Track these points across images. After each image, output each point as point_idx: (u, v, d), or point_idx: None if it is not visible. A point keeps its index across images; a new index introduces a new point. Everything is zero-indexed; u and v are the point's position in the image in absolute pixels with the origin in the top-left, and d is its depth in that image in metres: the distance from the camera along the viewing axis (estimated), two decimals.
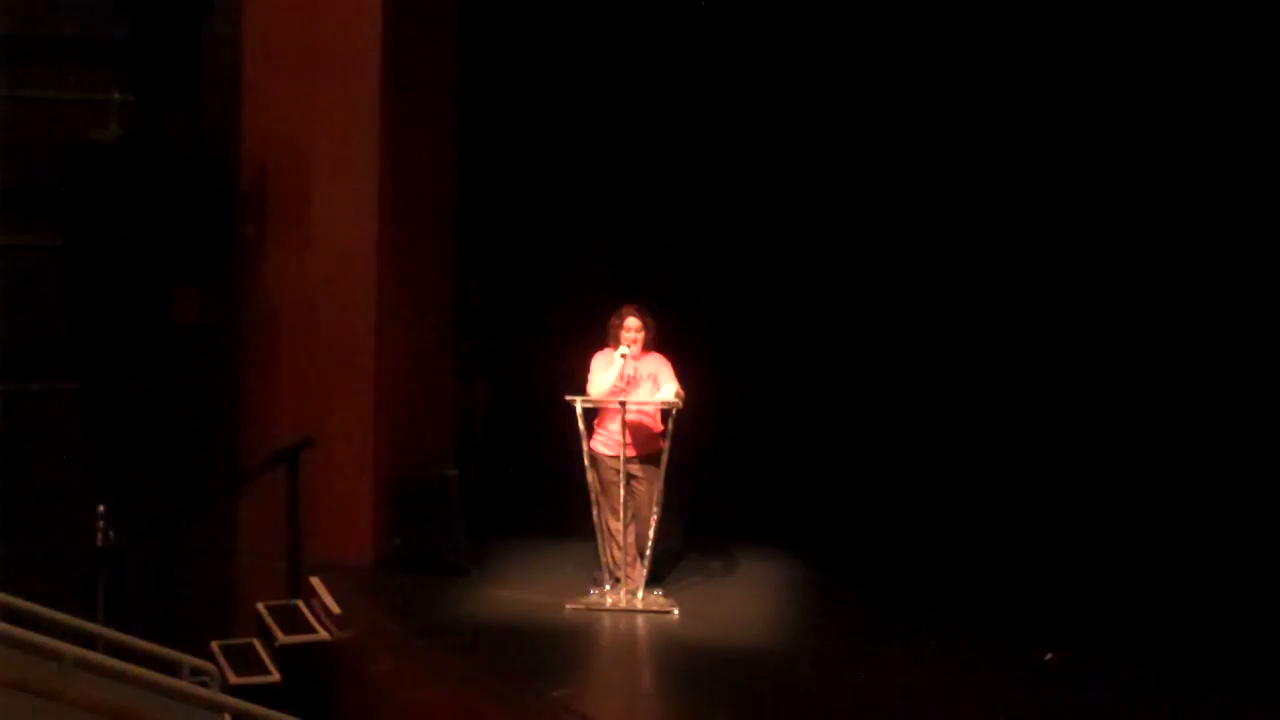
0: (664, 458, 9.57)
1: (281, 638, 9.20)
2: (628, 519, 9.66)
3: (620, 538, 9.66)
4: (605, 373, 9.65)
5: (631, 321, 9.65)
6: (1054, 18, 11.68)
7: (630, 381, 9.67)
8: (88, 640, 7.80)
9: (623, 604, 9.58)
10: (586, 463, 9.67)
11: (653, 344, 9.75)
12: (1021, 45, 11.87)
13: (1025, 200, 12.17)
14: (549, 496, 11.02)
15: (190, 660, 8.14)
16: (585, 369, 9.74)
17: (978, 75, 12.16)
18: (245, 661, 9.07)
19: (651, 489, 9.64)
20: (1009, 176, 12.24)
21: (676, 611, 9.54)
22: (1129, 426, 11.66)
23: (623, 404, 9.50)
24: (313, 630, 9.39)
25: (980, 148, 12.28)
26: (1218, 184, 11.46)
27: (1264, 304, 11.27)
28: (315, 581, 9.77)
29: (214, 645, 9.19)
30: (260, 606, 9.61)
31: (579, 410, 9.52)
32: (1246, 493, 10.88)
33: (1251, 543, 10.43)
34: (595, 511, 9.71)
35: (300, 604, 9.75)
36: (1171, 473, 11.17)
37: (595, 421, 9.72)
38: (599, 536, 9.72)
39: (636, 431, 9.64)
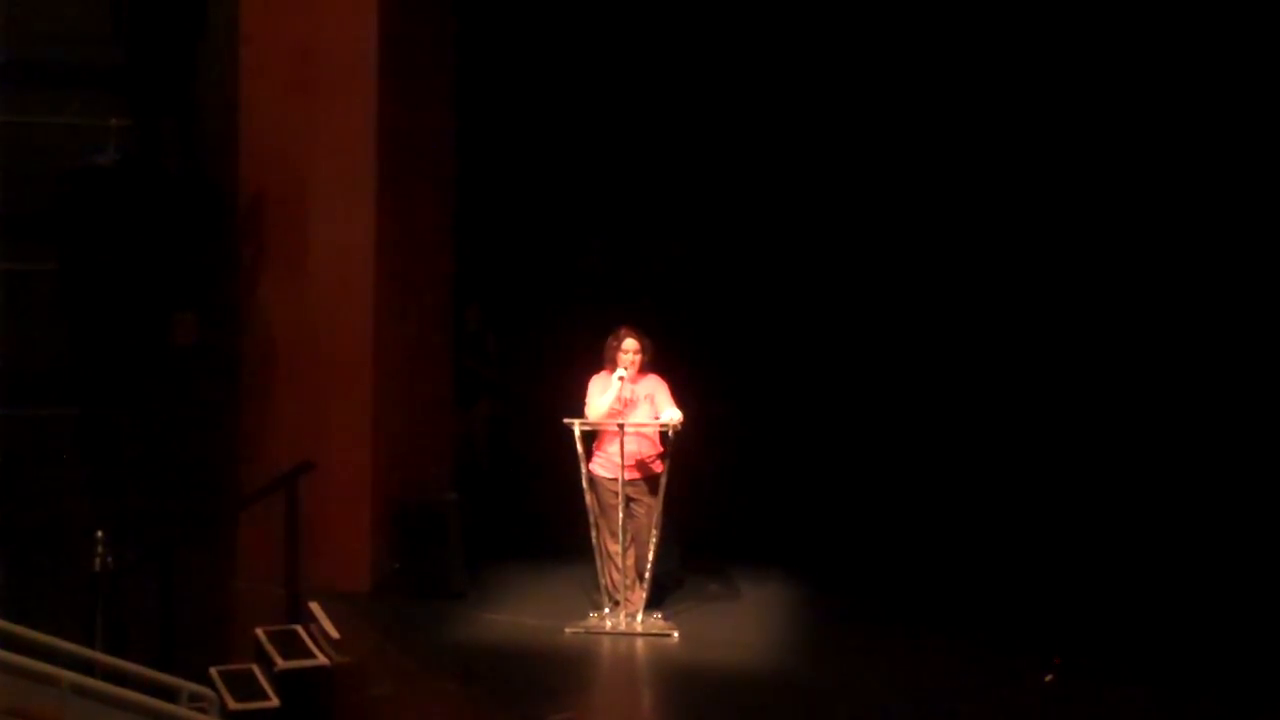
0: (663, 480, 9.56)
1: (280, 663, 9.16)
2: (627, 542, 9.65)
3: (619, 560, 9.65)
4: (603, 395, 9.64)
5: (629, 343, 9.65)
6: (1053, 18, 11.72)
7: (628, 404, 9.66)
8: (86, 666, 7.77)
9: (622, 627, 9.56)
10: (585, 485, 9.66)
11: (650, 365, 9.75)
12: (1020, 47, 11.91)
13: (1017, 225, 12.21)
14: (548, 519, 11.00)
15: (189, 686, 8.10)
16: (583, 392, 9.74)
17: (973, 88, 12.20)
18: (244, 687, 9.02)
19: (650, 511, 9.63)
20: (1000, 196, 12.28)
21: (676, 634, 9.53)
22: (1124, 445, 11.69)
23: (621, 426, 9.50)
24: (312, 655, 9.34)
25: (973, 164, 12.32)
26: (1218, 184, 11.50)
27: (1263, 307, 11.30)
28: (314, 606, 9.74)
29: (212, 671, 9.14)
30: (259, 632, 9.56)
31: (577, 433, 9.52)
32: (1243, 503, 10.90)
33: (1247, 553, 10.45)
34: (594, 534, 9.70)
35: (299, 629, 9.70)
36: (1166, 490, 11.20)
37: (594, 444, 9.71)
38: (598, 559, 9.70)
39: (635, 454, 9.63)
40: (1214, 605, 9.88)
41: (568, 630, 9.57)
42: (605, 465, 9.68)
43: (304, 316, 10.35)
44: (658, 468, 9.64)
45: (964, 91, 12.30)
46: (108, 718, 7.10)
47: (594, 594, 9.82)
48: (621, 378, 9.61)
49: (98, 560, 9.08)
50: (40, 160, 10.30)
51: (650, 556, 9.59)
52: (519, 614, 9.93)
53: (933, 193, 12.58)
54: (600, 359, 9.76)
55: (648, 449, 9.69)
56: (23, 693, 6.76)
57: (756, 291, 12.99)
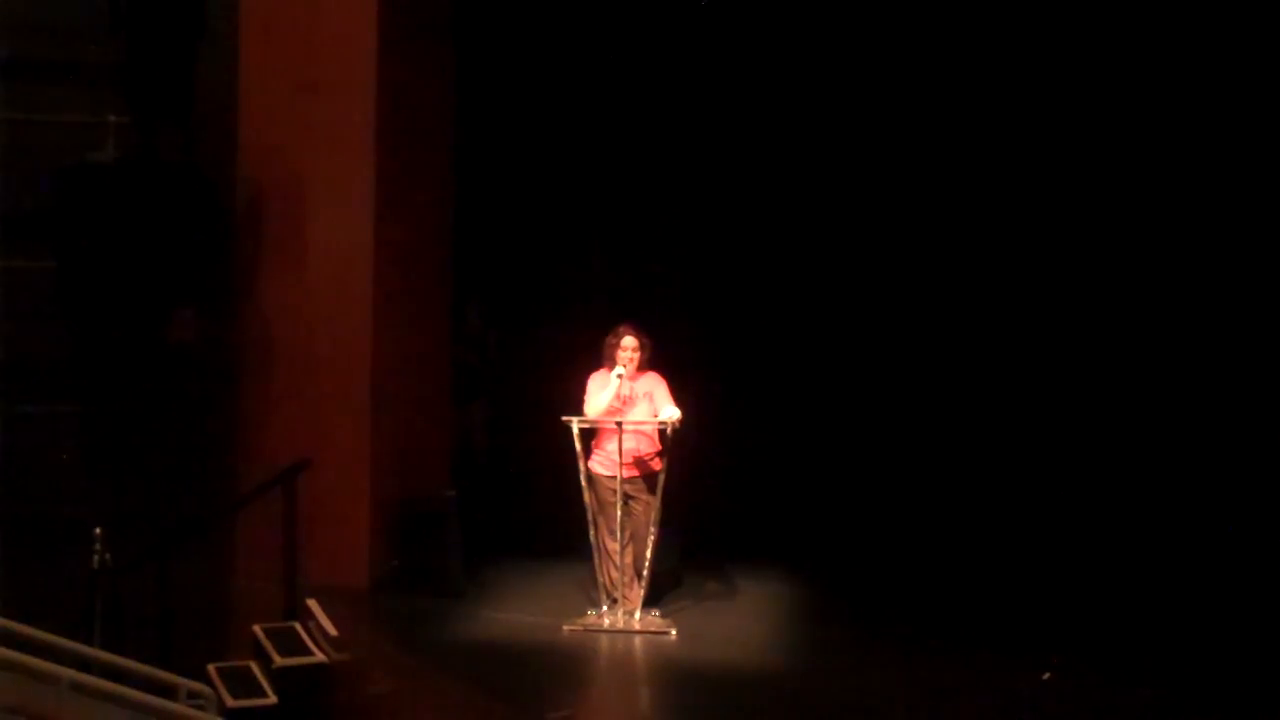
0: (661, 478, 9.56)
1: (278, 660, 9.16)
2: (625, 539, 9.66)
3: (618, 558, 9.66)
4: (601, 393, 9.65)
5: (629, 341, 9.66)
6: (1053, 18, 11.72)
7: (626, 401, 9.67)
8: (84, 664, 7.77)
9: (620, 625, 9.57)
10: (583, 483, 9.66)
11: (649, 363, 9.75)
12: (1020, 47, 11.92)
13: (1016, 225, 12.22)
14: (547, 517, 11.01)
15: (187, 684, 8.10)
16: (583, 389, 9.75)
17: (972, 88, 12.20)
18: (242, 684, 9.02)
19: (649, 509, 9.63)
20: (1000, 196, 12.28)
21: (674, 632, 9.53)
22: (1124, 446, 11.69)
23: (619, 424, 9.50)
24: (310, 652, 9.35)
25: (972, 165, 12.32)
26: (1217, 184, 11.50)
27: (1263, 308, 11.31)
28: (312, 604, 9.74)
29: (210, 668, 9.14)
30: (257, 629, 9.57)
31: (575, 431, 9.52)
32: (1245, 504, 10.90)
33: (1247, 554, 10.46)
34: (592, 532, 9.70)
35: (297, 626, 9.71)
36: (1165, 490, 11.19)
37: (593, 442, 9.72)
38: (596, 557, 9.71)
39: (634, 452, 9.64)
40: (1214, 605, 9.88)
41: (566, 628, 9.58)
42: (604, 463, 9.68)
43: (302, 313, 10.36)
44: (656, 465, 9.64)
45: (963, 92, 12.30)
46: (106, 715, 7.10)
47: (592, 592, 9.82)
48: (620, 375, 9.62)
49: (96, 557, 9.07)
50: (39, 157, 10.30)
51: (648, 554, 9.59)
52: (517, 611, 9.93)
53: (932, 193, 12.58)
54: (600, 357, 9.77)
55: (646, 447, 9.70)
56: (22, 690, 6.76)
57: (757, 290, 12.99)
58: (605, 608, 9.69)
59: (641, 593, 9.65)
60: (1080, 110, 11.98)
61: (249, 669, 9.32)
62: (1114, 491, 11.45)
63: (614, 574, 9.69)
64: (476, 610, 9.96)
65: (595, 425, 9.67)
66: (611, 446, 9.58)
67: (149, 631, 9.25)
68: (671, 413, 9.52)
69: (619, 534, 9.63)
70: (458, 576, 10.25)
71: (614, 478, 9.60)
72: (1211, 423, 11.57)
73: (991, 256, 12.38)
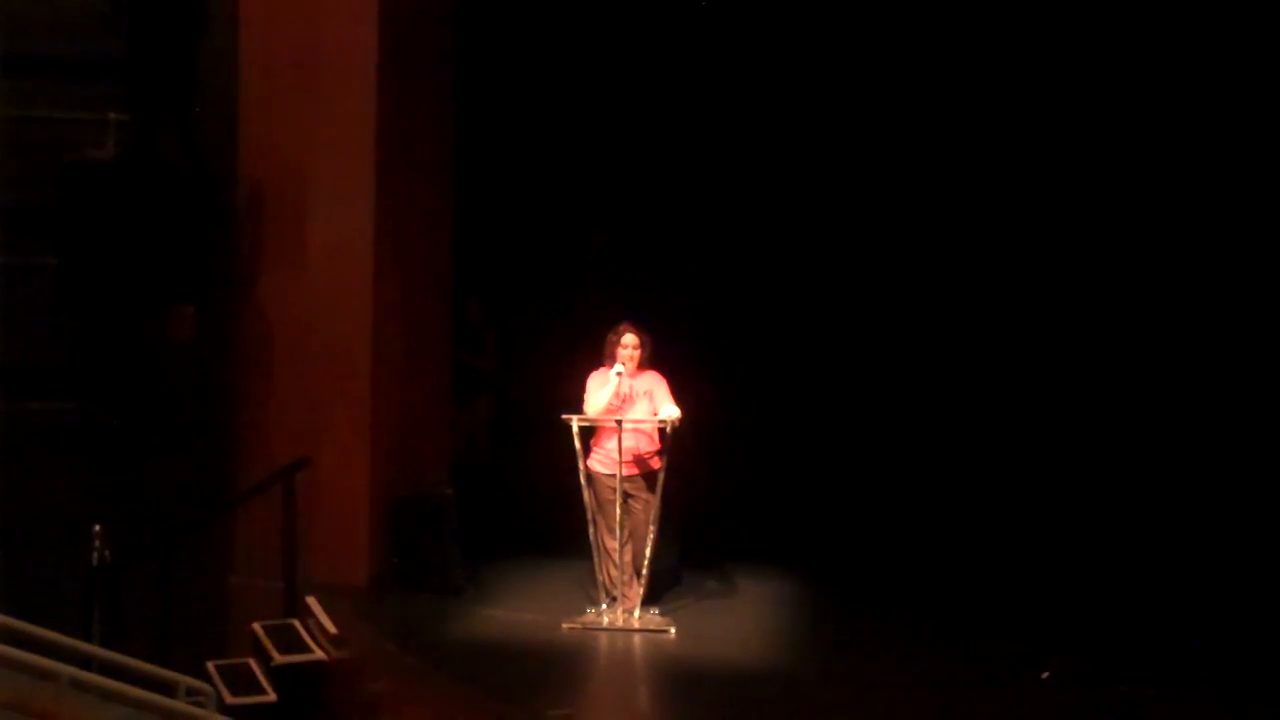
0: (661, 476, 9.56)
1: (277, 658, 9.15)
2: (624, 538, 9.66)
3: (617, 556, 9.66)
4: (601, 391, 9.65)
5: (629, 339, 9.66)
6: (1053, 18, 11.73)
7: (626, 399, 9.67)
8: (83, 660, 7.77)
9: (619, 623, 9.57)
10: (583, 481, 9.66)
11: (649, 361, 9.75)
12: (1020, 46, 11.92)
13: (1016, 225, 12.23)
14: (546, 515, 11.01)
15: (186, 680, 8.10)
16: (583, 388, 9.75)
17: (973, 87, 12.21)
18: (241, 682, 9.01)
19: (648, 508, 9.64)
20: (999, 196, 12.29)
21: (673, 630, 9.53)
22: (1126, 445, 11.70)
23: (619, 423, 9.50)
24: (309, 650, 9.34)
25: (972, 165, 12.33)
26: (1217, 185, 11.51)
27: (1262, 308, 11.32)
28: (312, 601, 9.73)
29: (210, 665, 9.13)
30: (256, 626, 9.56)
31: (575, 429, 9.52)
32: (1245, 504, 10.91)
33: (1246, 554, 10.46)
34: (592, 530, 9.71)
35: (296, 624, 9.69)
36: (1165, 489, 11.20)
37: (593, 440, 9.72)
38: (595, 555, 9.71)
39: (633, 450, 9.64)
40: (1214, 604, 9.88)
41: (565, 626, 9.58)
42: (603, 461, 9.69)
43: (302, 311, 10.35)
44: (656, 464, 9.65)
45: (964, 91, 12.31)
46: (106, 712, 7.10)
47: (591, 590, 9.83)
48: (619, 373, 9.62)
49: (95, 555, 9.08)
50: (39, 154, 10.29)
51: (647, 553, 9.60)
52: (516, 609, 9.94)
53: (933, 192, 12.58)
54: (600, 354, 9.77)
55: (646, 445, 9.70)
56: (20, 687, 6.76)
57: (758, 289, 12.99)
58: (604, 606, 9.69)
59: (641, 591, 9.65)
60: (1079, 110, 11.99)
61: (248, 666, 9.31)
62: (1114, 489, 11.45)
63: (613, 572, 9.69)
64: (476, 608, 9.96)
65: (595, 423, 9.67)
66: (611, 445, 9.58)
67: (148, 628, 9.26)
68: (671, 411, 9.53)
69: (618, 532, 9.63)
70: (457, 574, 10.25)
71: (613, 476, 9.60)
72: (1211, 422, 11.57)
73: (991, 255, 12.39)
